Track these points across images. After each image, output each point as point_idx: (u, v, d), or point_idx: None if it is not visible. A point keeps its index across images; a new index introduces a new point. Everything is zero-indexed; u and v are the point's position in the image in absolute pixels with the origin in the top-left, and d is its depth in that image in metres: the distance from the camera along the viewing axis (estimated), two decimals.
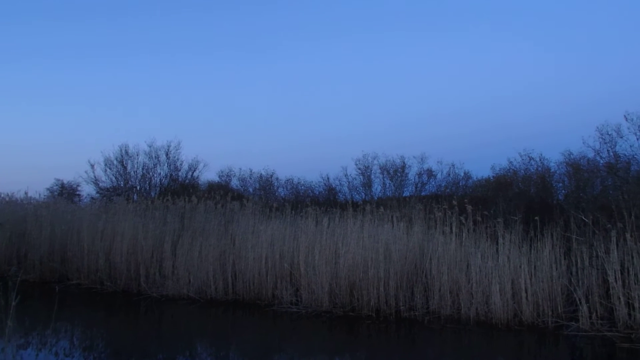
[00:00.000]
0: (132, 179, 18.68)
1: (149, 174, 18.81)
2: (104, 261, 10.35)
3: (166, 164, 19.08)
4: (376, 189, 16.85)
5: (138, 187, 18.66)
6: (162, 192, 16.95)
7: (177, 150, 19.22)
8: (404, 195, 16.05)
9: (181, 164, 19.34)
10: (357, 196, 16.89)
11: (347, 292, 8.09)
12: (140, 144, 20.87)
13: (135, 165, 18.77)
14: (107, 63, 35.27)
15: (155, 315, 8.52)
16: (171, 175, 19.08)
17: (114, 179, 18.75)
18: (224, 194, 12.23)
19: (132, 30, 35.15)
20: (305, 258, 8.54)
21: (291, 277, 8.75)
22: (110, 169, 18.73)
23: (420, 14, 32.92)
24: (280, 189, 18.92)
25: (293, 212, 10.21)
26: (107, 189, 18.65)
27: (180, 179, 19.21)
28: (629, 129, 10.68)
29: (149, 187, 18.78)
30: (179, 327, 7.87)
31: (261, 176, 19.06)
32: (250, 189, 19.10)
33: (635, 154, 10.70)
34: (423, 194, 15.92)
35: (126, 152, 18.74)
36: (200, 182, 19.65)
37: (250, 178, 19.33)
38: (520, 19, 30.35)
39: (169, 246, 9.90)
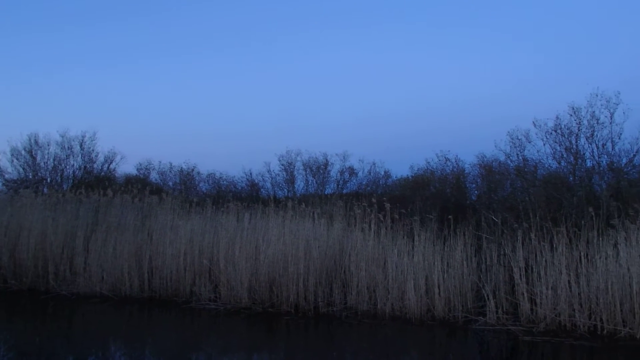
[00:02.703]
0: (42, 171, 17.61)
1: (60, 165, 17.77)
2: (7, 258, 9.69)
3: (80, 155, 18.08)
4: (299, 186, 16.94)
5: (48, 179, 17.62)
6: (75, 185, 16.11)
7: (92, 141, 18.25)
8: (326, 192, 16.26)
9: (96, 156, 18.38)
10: (279, 192, 16.90)
11: (266, 289, 8.07)
12: (52, 134, 19.67)
13: (46, 156, 17.67)
14: (18, 45, 33.05)
15: (65, 314, 8.12)
16: (85, 167, 18.13)
17: (21, 170, 17.57)
18: (142, 187, 11.85)
19: (44, 15, 33.20)
20: (225, 254, 8.43)
21: (210, 273, 8.61)
22: (17, 159, 17.50)
23: (346, 12, 33.38)
24: (201, 184, 18.60)
25: (214, 207, 10.07)
26: (14, 180, 17.46)
27: (95, 172, 18.32)
28: (536, 134, 11.30)
29: (61, 179, 17.79)
30: (91, 326, 7.54)
31: (182, 170, 18.63)
32: (170, 183, 18.63)
33: (542, 159, 11.38)
34: (345, 191, 16.17)
35: (36, 142, 17.59)
36: (117, 175, 18.82)
37: (170, 172, 18.84)
38: (457, 23, 31.53)
39: (81, 241, 9.43)
